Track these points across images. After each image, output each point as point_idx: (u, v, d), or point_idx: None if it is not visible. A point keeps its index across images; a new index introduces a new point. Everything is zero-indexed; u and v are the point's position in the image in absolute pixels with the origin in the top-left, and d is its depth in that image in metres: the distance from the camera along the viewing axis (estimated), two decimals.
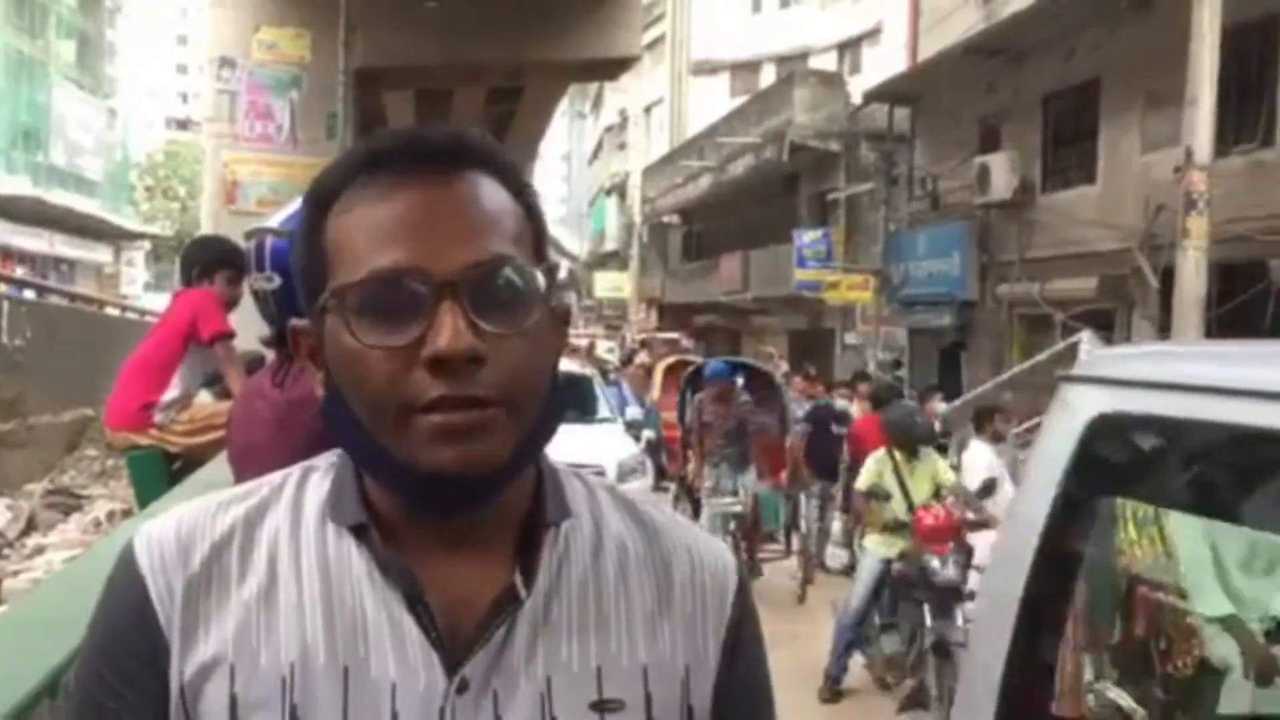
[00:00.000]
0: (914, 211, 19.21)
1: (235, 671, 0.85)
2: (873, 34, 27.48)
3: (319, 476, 0.93)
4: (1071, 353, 11.98)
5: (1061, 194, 15.23)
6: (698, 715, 0.94)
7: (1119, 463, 1.83)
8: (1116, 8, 12.90)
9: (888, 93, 19.50)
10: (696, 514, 9.23)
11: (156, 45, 70.37)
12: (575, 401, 11.43)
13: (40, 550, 9.77)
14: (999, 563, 2.02)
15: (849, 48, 29.06)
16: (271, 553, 0.89)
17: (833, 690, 6.91)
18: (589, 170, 49.14)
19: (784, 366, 16.41)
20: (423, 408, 0.82)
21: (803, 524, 9.95)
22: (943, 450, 10.81)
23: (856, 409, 12.06)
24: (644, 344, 24.13)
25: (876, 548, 6.82)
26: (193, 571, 0.87)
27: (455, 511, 0.87)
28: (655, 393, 14.64)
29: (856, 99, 21.52)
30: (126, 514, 9.04)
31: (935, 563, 6.21)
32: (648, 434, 12.87)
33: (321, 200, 0.88)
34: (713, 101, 32.19)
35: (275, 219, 2.35)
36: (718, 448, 9.25)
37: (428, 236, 0.83)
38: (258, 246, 2.22)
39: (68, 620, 1.61)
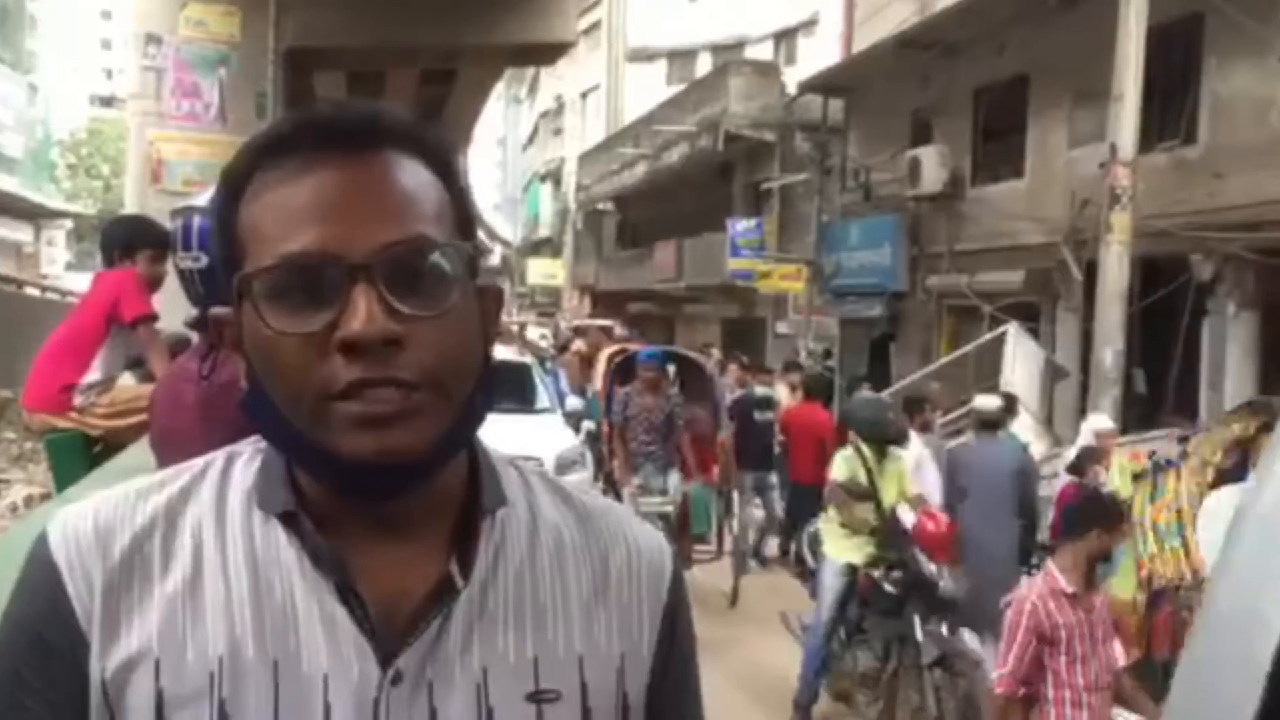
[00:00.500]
0: (847, 202, 19.38)
1: (160, 666, 0.82)
2: (808, 25, 27.64)
3: (244, 462, 0.91)
4: (998, 344, 12.20)
5: (990, 187, 15.46)
6: (632, 703, 0.93)
7: None
8: (1045, 5, 13.10)
9: (822, 84, 19.63)
10: None
11: (80, 20, 68.59)
12: (513, 390, 11.04)
13: None
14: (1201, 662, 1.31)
15: (785, 38, 29.21)
16: (196, 542, 0.86)
17: None
18: (524, 156, 48.88)
19: (716, 354, 16.48)
20: (339, 394, 0.79)
21: (735, 523, 9.46)
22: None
23: (784, 394, 12.15)
24: (580, 331, 24.02)
25: (841, 553, 6.30)
26: (112, 565, 0.84)
27: (383, 499, 0.85)
28: (598, 383, 14.29)
29: (792, 89, 21.64)
30: (45, 498, 8.83)
31: (933, 570, 5.78)
32: (588, 425, 12.35)
33: (233, 185, 0.86)
34: (649, 89, 32.16)
35: (203, 197, 2.31)
36: (644, 443, 8.67)
37: (339, 218, 0.80)
38: (184, 225, 2.18)
39: None
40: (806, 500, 10.61)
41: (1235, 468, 6.38)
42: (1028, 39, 13.91)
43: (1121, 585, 6.58)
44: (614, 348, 12.01)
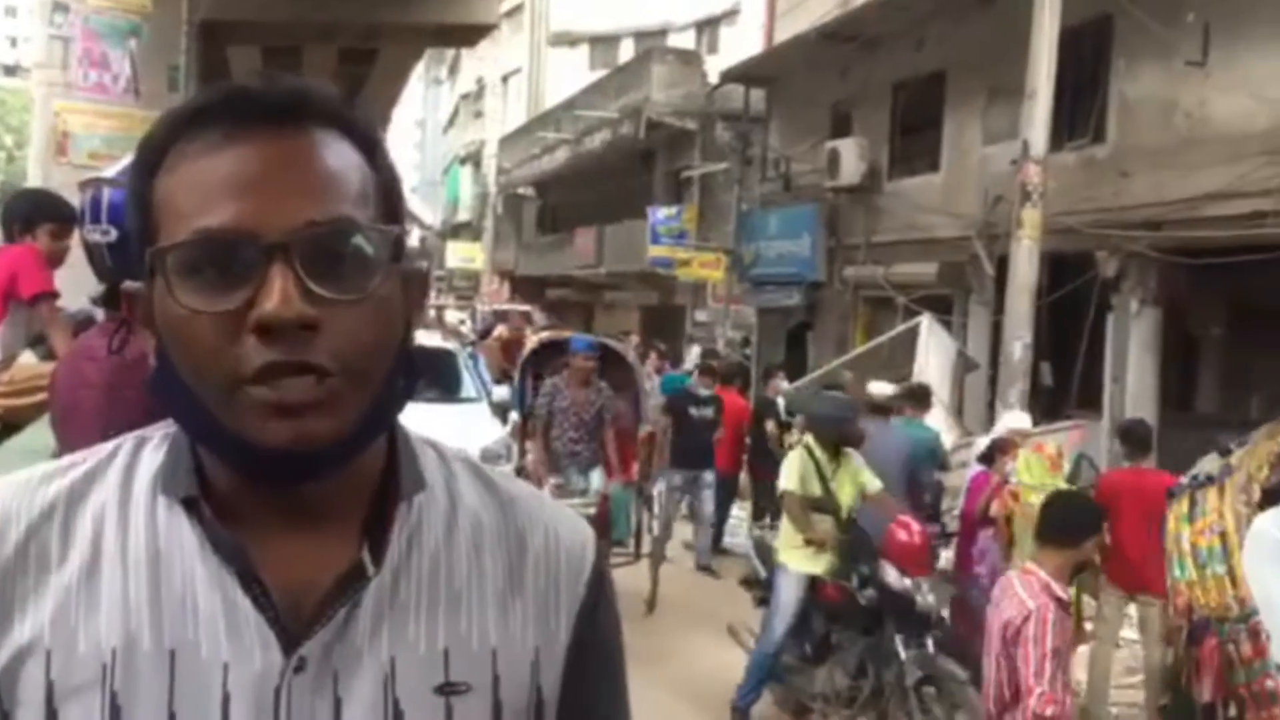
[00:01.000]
0: (766, 192, 19.52)
1: (52, 657, 0.80)
2: (731, 15, 27.77)
3: (153, 446, 0.88)
4: (912, 335, 12.40)
5: (907, 181, 15.69)
6: (546, 698, 0.91)
7: None
8: (962, 2, 13.32)
9: (744, 74, 19.73)
10: None
11: None
12: (437, 379, 10.59)
13: None
14: None
15: (707, 27, 29.31)
16: (96, 529, 0.83)
17: None
18: (444, 138, 48.38)
19: (635, 341, 16.51)
20: (252, 378, 0.76)
21: (655, 524, 8.97)
22: (786, 428, 11.08)
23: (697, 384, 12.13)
24: (502, 316, 23.73)
25: (799, 563, 5.91)
26: (7, 555, 0.81)
27: (294, 486, 0.82)
28: None
29: (714, 78, 21.72)
30: None
31: (907, 585, 5.45)
32: (514, 416, 12.07)
33: (150, 155, 0.82)
34: (571, 74, 32.05)
35: (113, 170, 2.25)
36: (571, 440, 8.03)
37: (258, 193, 0.77)
38: (94, 198, 2.12)
39: None
40: (725, 490, 10.73)
41: None
42: (945, 35, 14.13)
43: None
44: (546, 334, 11.44)
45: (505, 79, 38.66)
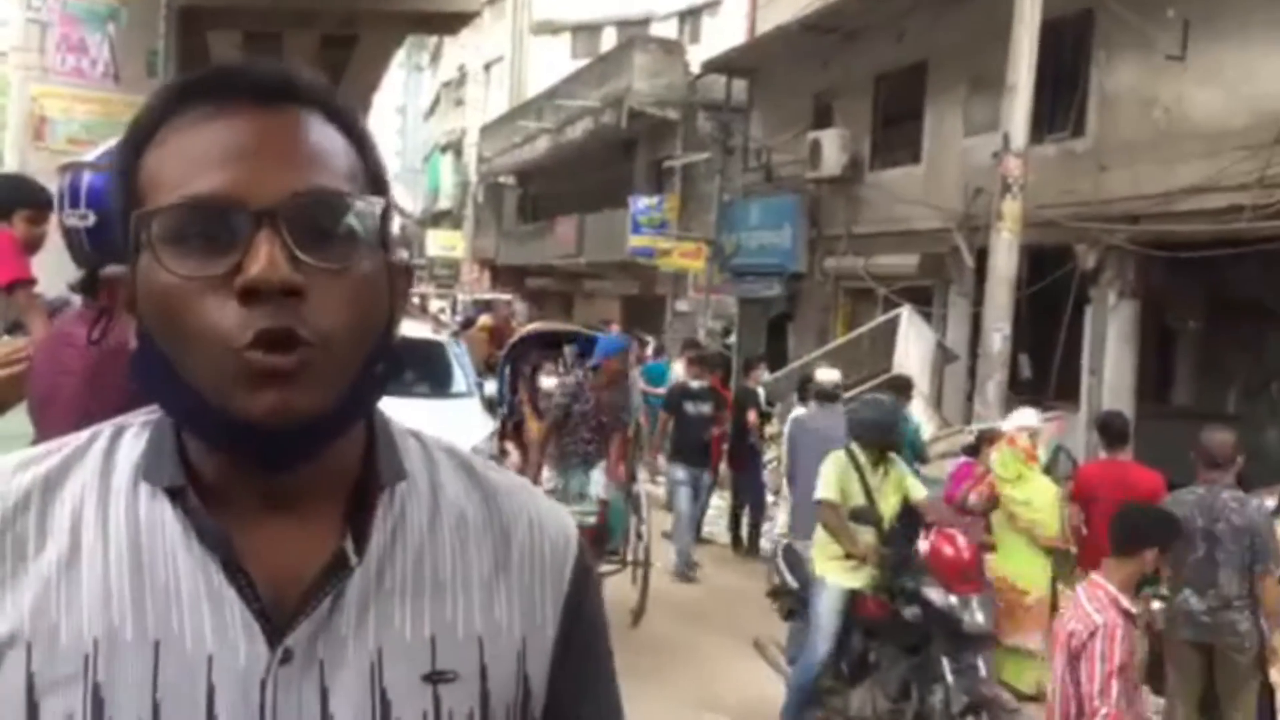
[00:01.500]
0: (748, 182, 19.52)
1: (32, 650, 0.79)
2: (713, 5, 27.71)
3: (133, 434, 0.87)
4: (892, 327, 12.45)
5: (888, 172, 15.71)
6: (534, 687, 0.91)
7: None
8: None
9: (726, 64, 19.71)
10: None
11: None
12: (426, 372, 10.07)
13: None
14: None
15: (690, 17, 29.24)
16: (75, 517, 0.82)
17: None
18: (425, 125, 48.17)
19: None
20: (236, 344, 0.76)
21: (643, 529, 8.41)
22: (767, 418, 11.11)
23: (680, 372, 12.10)
24: (487, 305, 23.51)
25: (838, 577, 5.55)
26: None
27: (277, 465, 0.82)
28: None
29: (696, 68, 21.70)
30: None
31: (953, 603, 5.11)
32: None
33: (137, 137, 0.82)
34: (553, 62, 31.93)
35: (93, 154, 2.24)
36: (583, 441, 7.50)
37: (247, 162, 0.78)
38: (73, 182, 2.11)
39: None
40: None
41: None
42: (927, 27, 14.14)
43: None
44: (536, 325, 11.02)
45: (487, 67, 38.51)
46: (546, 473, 7.46)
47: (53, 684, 0.78)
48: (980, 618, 5.18)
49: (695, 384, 10.07)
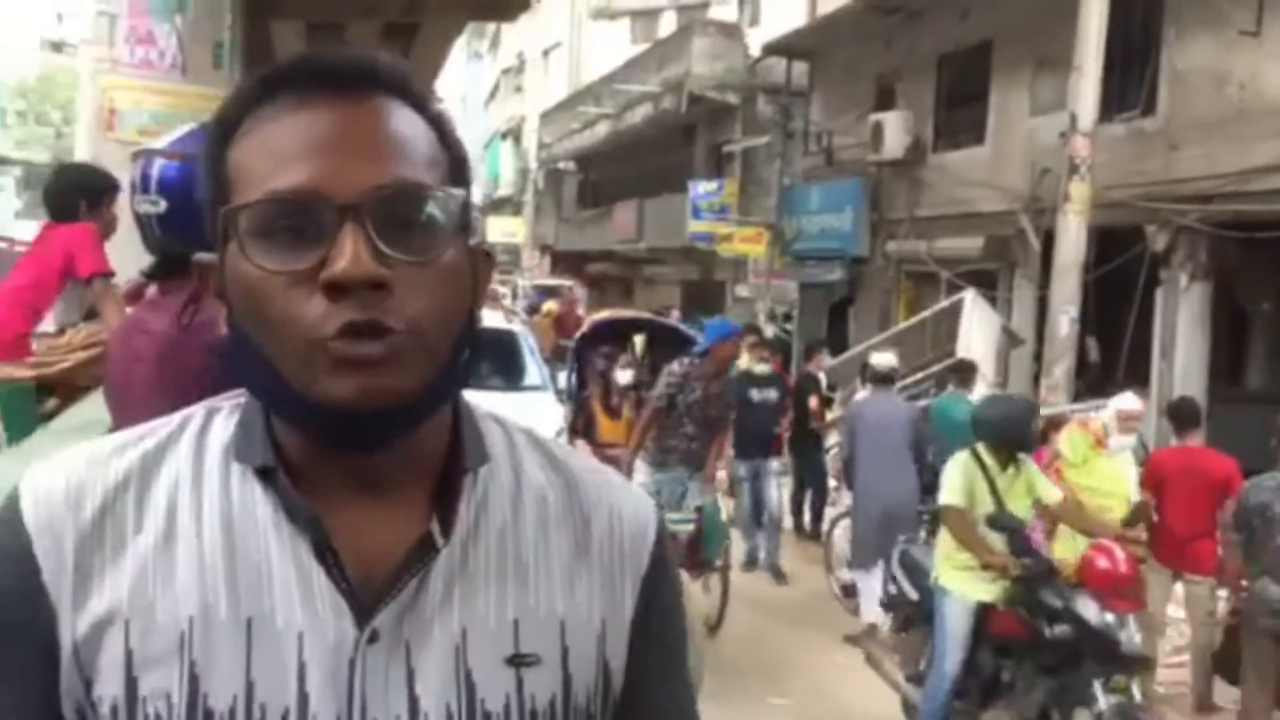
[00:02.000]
0: (809, 166, 19.39)
1: (130, 626, 0.81)
2: None
3: (223, 417, 0.89)
4: (955, 311, 12.30)
5: (951, 154, 15.52)
6: (613, 670, 0.92)
7: None
8: None
9: (786, 46, 19.56)
10: None
11: None
12: (498, 363, 9.68)
13: None
14: None
15: None
16: (171, 499, 0.84)
17: None
18: (485, 113, 48.39)
19: (676, 314, 16.47)
20: (323, 337, 0.77)
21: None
22: (828, 404, 11.04)
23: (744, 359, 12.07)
24: (551, 291, 23.32)
25: (966, 588, 5.15)
26: (83, 525, 0.82)
27: (365, 449, 0.83)
28: None
29: (755, 51, 21.55)
30: None
31: (1110, 622, 4.71)
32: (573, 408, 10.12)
33: (223, 128, 0.84)
34: (612, 47, 31.87)
35: (163, 141, 2.26)
36: (688, 437, 6.84)
37: (330, 156, 0.79)
38: (144, 168, 2.14)
39: None
40: None
41: None
42: (991, 5, 13.93)
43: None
44: (606, 314, 10.44)
45: (546, 53, 38.57)
46: (640, 473, 6.76)
47: (150, 660, 0.80)
48: (1139, 639, 4.85)
49: (760, 369, 9.53)
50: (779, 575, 9.02)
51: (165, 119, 12.58)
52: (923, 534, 7.65)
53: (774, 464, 9.26)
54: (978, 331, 11.80)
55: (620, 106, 26.57)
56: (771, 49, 20.20)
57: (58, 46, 66.31)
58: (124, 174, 2.64)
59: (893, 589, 6.11)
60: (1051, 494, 5.33)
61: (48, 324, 4.22)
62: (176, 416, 0.90)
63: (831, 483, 10.37)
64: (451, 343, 0.84)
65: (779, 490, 9.27)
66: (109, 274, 4.09)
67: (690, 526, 6.54)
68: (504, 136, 43.13)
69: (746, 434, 8.79)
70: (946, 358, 11.07)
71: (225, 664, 0.80)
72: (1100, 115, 10.37)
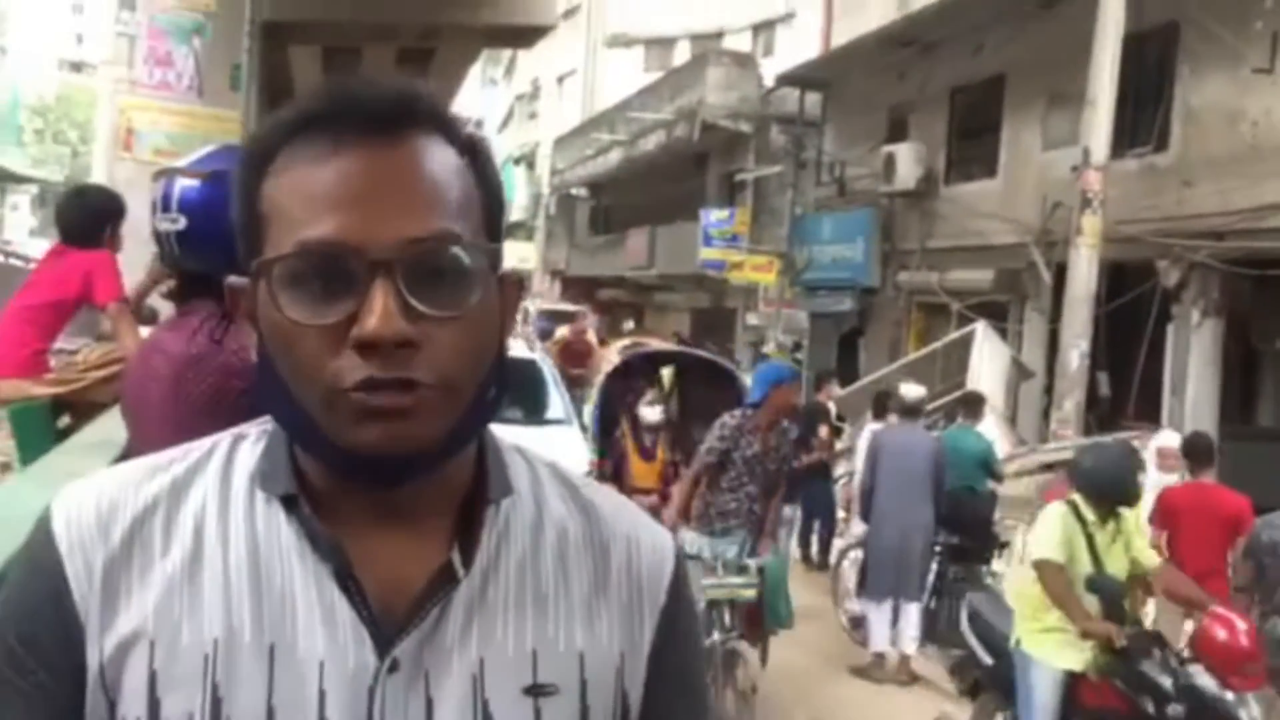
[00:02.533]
0: (821, 196, 19.44)
1: (155, 647, 0.81)
2: (787, 18, 27.62)
3: (250, 443, 0.89)
4: (966, 342, 12.29)
5: (964, 186, 15.55)
6: (632, 703, 0.92)
7: None
8: (1023, 7, 13.18)
9: (800, 77, 19.66)
10: None
11: None
12: (520, 395, 9.12)
13: None
14: None
15: (763, 29, 29.18)
16: (198, 523, 0.85)
17: None
18: (498, 138, 48.68)
19: (682, 339, 16.42)
20: (350, 389, 0.78)
21: None
22: (837, 434, 11.02)
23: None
24: (564, 317, 23.02)
25: (1053, 655, 4.70)
26: (113, 546, 0.83)
27: (386, 487, 0.84)
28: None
29: (769, 81, 21.65)
30: (5, 468, 8.74)
31: (1229, 700, 4.32)
32: (586, 451, 9.18)
33: (259, 158, 0.84)
34: (626, 75, 32.06)
35: (184, 161, 2.28)
36: (748, 498, 6.07)
37: (363, 208, 0.79)
38: (165, 187, 2.15)
39: None
40: None
41: None
42: (1005, 40, 13.99)
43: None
44: (628, 340, 9.96)
45: (560, 80, 38.79)
46: (688, 534, 5.99)
47: (174, 682, 0.81)
48: (1259, 717, 4.47)
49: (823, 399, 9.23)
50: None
51: (181, 139, 12.71)
52: (934, 566, 7.64)
53: (785, 509, 8.53)
54: (988, 364, 11.78)
55: (633, 134, 26.69)
56: (785, 79, 20.31)
57: (77, 66, 66.93)
58: (140, 192, 2.66)
59: (960, 651, 5.72)
60: (1150, 557, 4.89)
61: (63, 341, 4.26)
62: (206, 442, 0.90)
63: (840, 513, 10.33)
64: (478, 386, 0.84)
65: (790, 537, 8.74)
66: (125, 300, 4.13)
67: (753, 592, 5.86)
68: (517, 162, 43.34)
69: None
70: (956, 389, 11.05)
71: (247, 689, 0.81)
72: (1113, 150, 10.40)
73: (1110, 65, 9.99)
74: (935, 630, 7.58)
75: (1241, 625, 4.47)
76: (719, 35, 29.67)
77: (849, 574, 8.47)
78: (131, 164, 12.40)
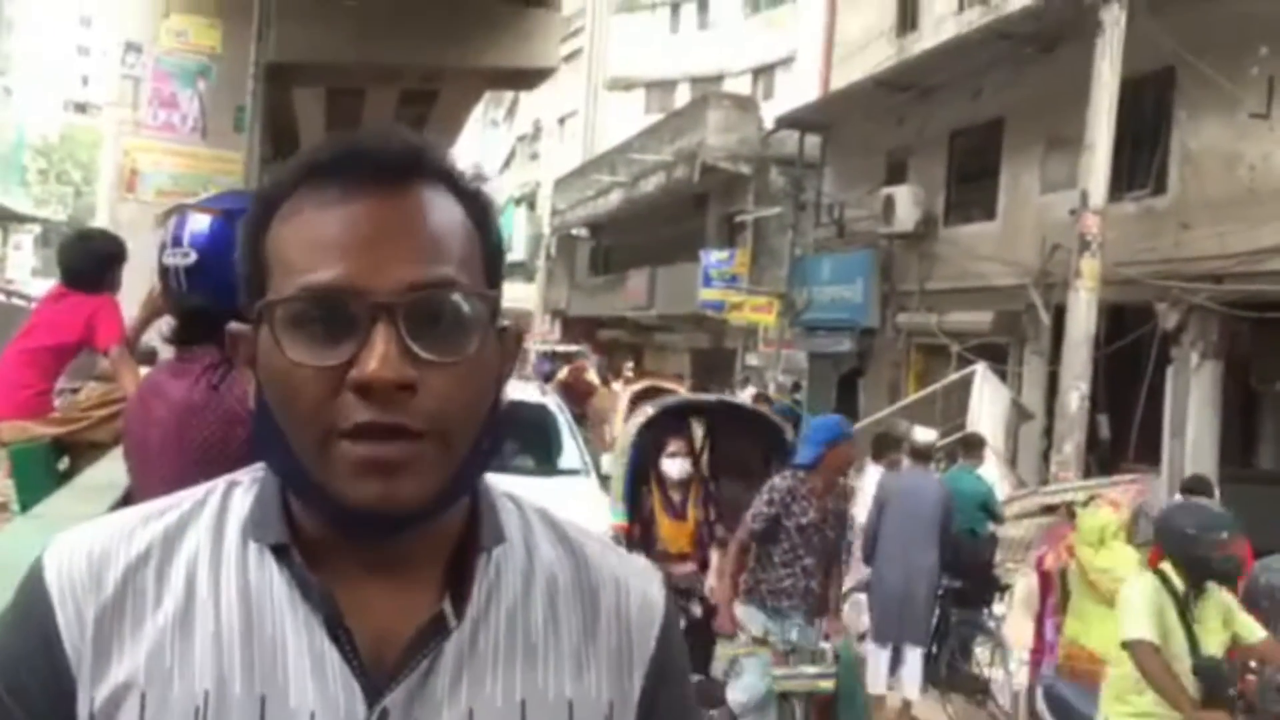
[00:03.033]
0: (820, 238, 19.51)
1: (146, 699, 0.81)
2: (787, 61, 27.89)
3: (243, 491, 0.90)
4: (965, 384, 12.30)
5: (963, 228, 15.62)
6: None
7: None
8: (1022, 51, 13.30)
9: (799, 119, 19.81)
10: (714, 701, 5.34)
11: (57, 25, 68.18)
12: (529, 442, 8.43)
13: None
14: None
15: (763, 73, 29.45)
16: (190, 573, 0.85)
17: None
18: (500, 179, 48.95)
19: (682, 387, 16.40)
20: (346, 433, 0.79)
21: None
22: None
23: None
24: (566, 358, 22.89)
25: None
26: (105, 596, 0.83)
27: (378, 541, 0.84)
28: (617, 429, 10.41)
29: (769, 124, 21.81)
30: (2, 507, 8.73)
31: None
32: (610, 514, 7.70)
33: (267, 204, 0.85)
34: (627, 117, 32.33)
35: (195, 200, 2.31)
36: (805, 573, 5.36)
37: (367, 253, 0.80)
38: (176, 224, 2.17)
39: None
40: None
41: None
42: (1004, 84, 14.10)
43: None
44: (643, 384, 9.25)
45: (562, 121, 39.07)
46: (745, 610, 5.35)
47: None
48: None
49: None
50: None
51: (184, 180, 12.77)
52: (936, 610, 7.57)
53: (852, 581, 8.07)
54: (987, 405, 11.78)
55: (634, 175, 26.85)
56: (784, 122, 20.45)
57: (82, 107, 67.45)
58: (143, 233, 2.68)
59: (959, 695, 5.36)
60: (1253, 629, 4.39)
61: (64, 382, 4.28)
62: (199, 490, 0.91)
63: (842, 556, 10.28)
64: (473, 438, 0.84)
65: (861, 613, 8.19)
66: (125, 342, 4.15)
67: (831, 683, 5.23)
68: (518, 202, 43.54)
69: None
70: (956, 431, 11.04)
71: None
72: (1111, 193, 10.46)
73: (1108, 109, 10.07)
74: (936, 675, 7.52)
75: None
76: (719, 78, 29.93)
77: (849, 616, 8.42)
78: (135, 204, 12.47)
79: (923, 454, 8.04)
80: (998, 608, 7.93)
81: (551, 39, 16.91)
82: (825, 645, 5.34)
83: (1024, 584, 7.78)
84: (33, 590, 0.84)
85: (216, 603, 0.84)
